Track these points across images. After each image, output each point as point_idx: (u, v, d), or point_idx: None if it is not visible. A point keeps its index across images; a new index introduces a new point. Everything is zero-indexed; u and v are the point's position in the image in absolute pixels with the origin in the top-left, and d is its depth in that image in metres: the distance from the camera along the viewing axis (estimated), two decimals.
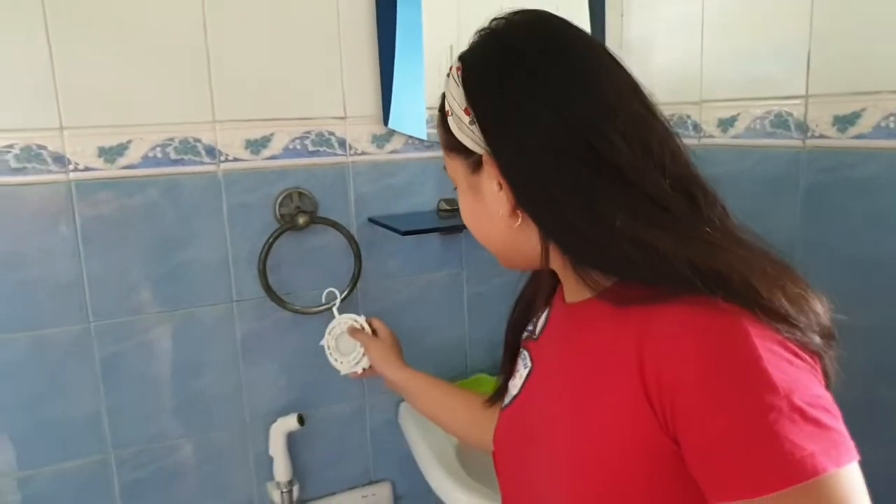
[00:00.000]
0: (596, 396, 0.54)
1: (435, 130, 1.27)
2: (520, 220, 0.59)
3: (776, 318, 0.48)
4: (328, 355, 1.10)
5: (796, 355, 0.48)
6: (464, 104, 0.58)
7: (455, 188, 0.67)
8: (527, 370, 0.69)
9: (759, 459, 0.44)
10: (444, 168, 0.68)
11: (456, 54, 0.62)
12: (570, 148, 0.54)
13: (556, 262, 0.62)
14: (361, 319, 1.10)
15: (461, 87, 0.59)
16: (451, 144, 0.62)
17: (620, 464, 0.52)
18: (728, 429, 0.45)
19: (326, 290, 1.16)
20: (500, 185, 0.58)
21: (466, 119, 0.58)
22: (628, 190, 0.53)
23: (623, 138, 0.54)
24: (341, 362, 1.11)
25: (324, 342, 1.11)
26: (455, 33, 1.24)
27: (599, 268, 0.56)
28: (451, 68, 0.61)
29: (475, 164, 0.61)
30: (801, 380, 0.46)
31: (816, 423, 0.44)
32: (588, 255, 0.56)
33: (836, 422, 0.45)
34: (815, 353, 0.50)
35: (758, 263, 0.51)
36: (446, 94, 0.61)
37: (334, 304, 1.10)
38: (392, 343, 1.04)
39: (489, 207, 0.61)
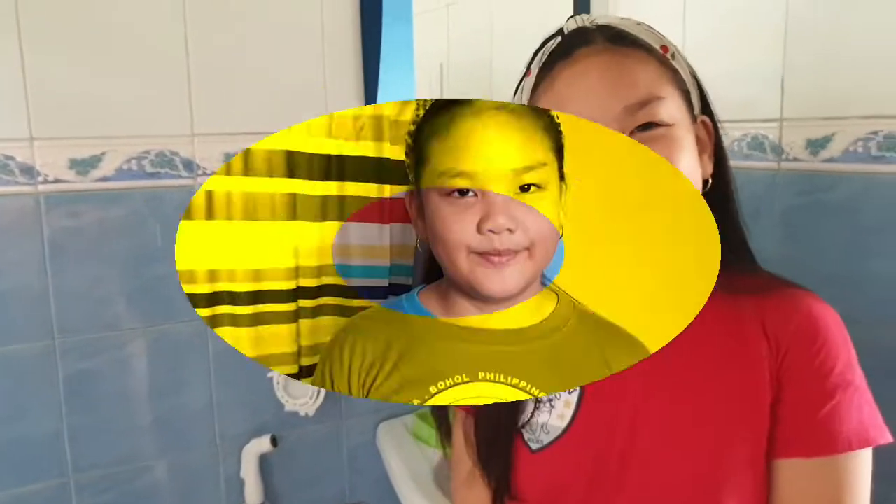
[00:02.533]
0: (723, 381, 0.58)
1: None
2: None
3: None
4: (275, 388, 1.18)
5: None
6: (689, 70, 0.61)
7: (648, 125, 0.55)
8: (574, 397, 0.62)
9: (834, 425, 0.54)
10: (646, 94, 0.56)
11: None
12: None
13: None
14: None
15: (683, 60, 0.61)
16: (679, 84, 0.59)
17: (750, 432, 0.57)
18: (819, 392, 0.55)
19: None
20: (710, 147, 0.62)
21: (693, 81, 0.61)
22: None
23: None
24: (286, 400, 1.20)
25: (272, 374, 1.18)
26: (445, 52, 1.22)
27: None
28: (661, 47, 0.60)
29: (691, 117, 0.60)
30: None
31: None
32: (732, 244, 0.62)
33: None
34: None
35: None
36: (666, 44, 0.59)
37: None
38: None
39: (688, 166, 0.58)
